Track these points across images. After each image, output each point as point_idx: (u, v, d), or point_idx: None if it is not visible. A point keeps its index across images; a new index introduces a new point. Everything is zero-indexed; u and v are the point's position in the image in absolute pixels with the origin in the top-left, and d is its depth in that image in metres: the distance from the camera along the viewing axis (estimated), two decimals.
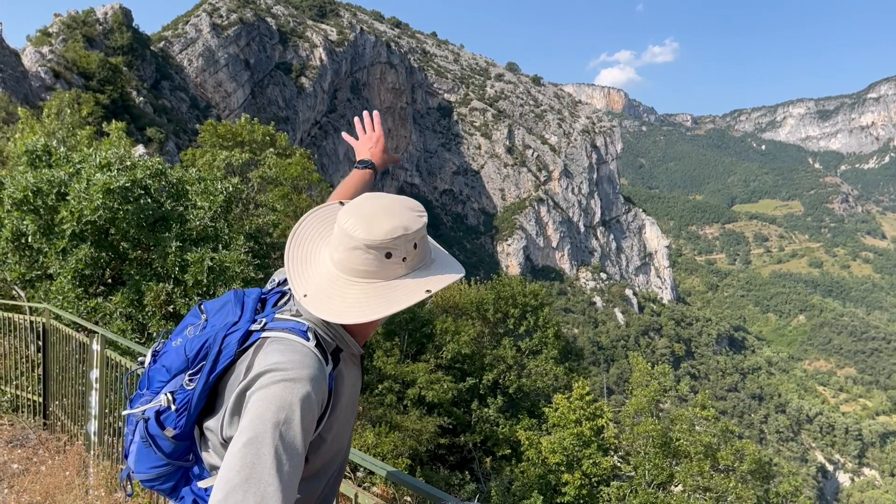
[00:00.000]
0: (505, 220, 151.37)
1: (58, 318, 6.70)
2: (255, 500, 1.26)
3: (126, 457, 1.72)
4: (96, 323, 7.82)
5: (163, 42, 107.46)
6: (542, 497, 14.89)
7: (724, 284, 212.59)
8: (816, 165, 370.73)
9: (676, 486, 15.55)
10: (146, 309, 8.94)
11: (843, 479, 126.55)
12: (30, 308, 7.67)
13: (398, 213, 1.58)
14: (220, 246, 9.70)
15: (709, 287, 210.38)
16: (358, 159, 2.40)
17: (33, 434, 6.53)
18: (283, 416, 1.37)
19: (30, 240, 9.07)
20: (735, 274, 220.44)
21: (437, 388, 17.49)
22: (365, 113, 2.50)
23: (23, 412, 7.07)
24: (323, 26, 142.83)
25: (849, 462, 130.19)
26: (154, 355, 1.73)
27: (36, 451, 6.16)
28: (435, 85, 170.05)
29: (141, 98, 71.08)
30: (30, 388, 7.11)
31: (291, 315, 1.61)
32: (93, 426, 5.67)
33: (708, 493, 14.91)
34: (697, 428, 16.69)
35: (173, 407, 1.57)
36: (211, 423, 1.57)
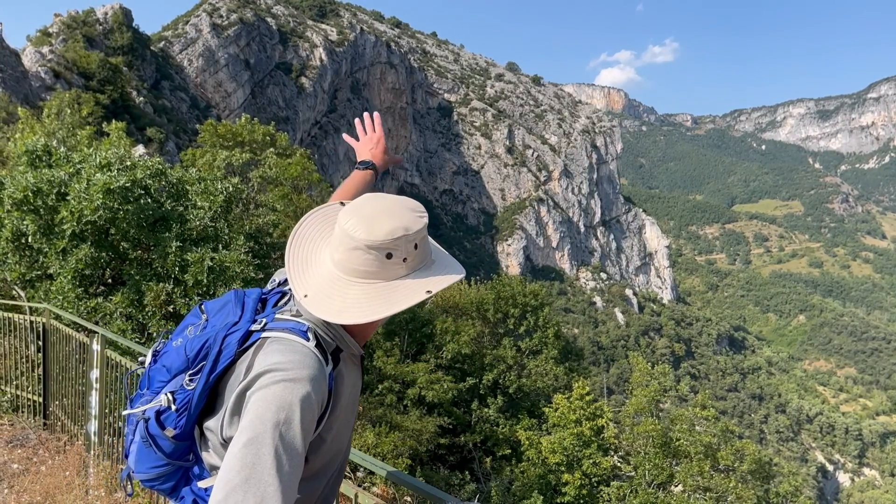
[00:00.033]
0: (505, 220, 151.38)
1: (58, 318, 6.70)
2: (255, 500, 1.26)
3: (126, 457, 1.73)
4: (96, 323, 7.82)
5: (163, 42, 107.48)
6: (542, 497, 14.89)
7: (724, 284, 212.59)
8: (816, 165, 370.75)
9: (676, 486, 15.55)
10: (146, 309, 8.94)
11: (844, 479, 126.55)
12: (30, 308, 7.68)
13: (399, 214, 1.58)
14: (221, 246, 9.70)
15: (709, 287, 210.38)
16: (359, 160, 2.40)
17: (33, 434, 6.53)
18: (283, 416, 1.37)
19: (30, 240, 9.07)
20: (735, 274, 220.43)
21: (437, 388, 17.50)
22: (365, 114, 2.51)
23: (23, 412, 7.07)
24: (323, 26, 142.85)
25: (849, 462, 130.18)
26: (155, 355, 1.73)
27: (36, 451, 6.16)
28: (435, 85, 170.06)
29: (141, 98, 71.10)
30: (30, 388, 7.11)
31: (292, 315, 1.61)
32: (93, 426, 5.67)
33: (708, 493, 14.91)
34: (697, 428, 16.69)
35: (173, 407, 1.57)
36: (211, 424, 1.57)
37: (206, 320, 1.68)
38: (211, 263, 9.07)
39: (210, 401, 1.58)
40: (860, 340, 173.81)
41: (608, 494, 14.95)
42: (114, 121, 19.94)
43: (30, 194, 8.85)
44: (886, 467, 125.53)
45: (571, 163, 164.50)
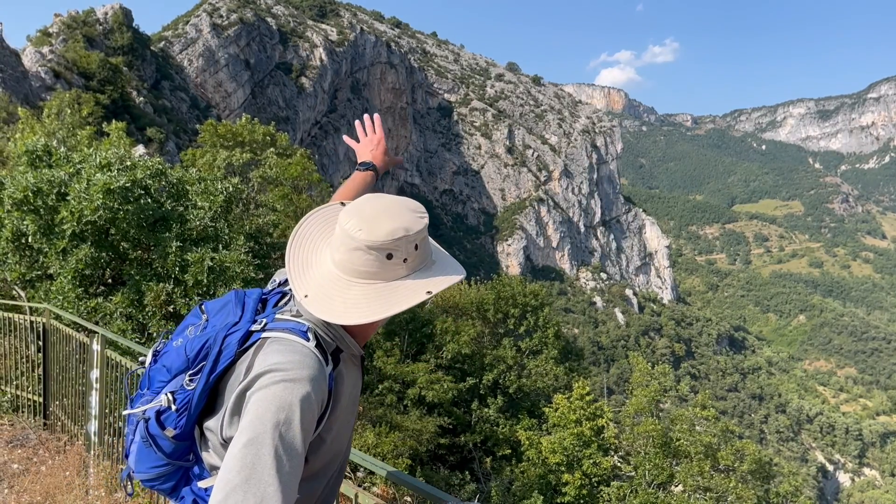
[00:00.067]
0: (505, 220, 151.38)
1: (58, 318, 6.70)
2: (255, 500, 1.27)
3: (127, 456, 1.73)
4: (96, 323, 7.82)
5: (163, 42, 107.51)
6: (542, 497, 14.90)
7: (724, 284, 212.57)
8: (816, 165, 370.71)
9: (677, 486, 15.55)
10: (146, 309, 8.94)
11: (844, 479, 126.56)
12: (30, 308, 7.68)
13: (399, 215, 1.58)
14: (221, 246, 9.70)
15: (709, 287, 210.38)
16: (359, 162, 2.40)
17: (33, 434, 6.53)
18: (282, 416, 1.37)
19: (30, 240, 9.07)
20: (735, 274, 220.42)
21: (437, 388, 17.50)
22: (366, 116, 2.52)
23: (23, 412, 7.07)
24: (323, 26, 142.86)
25: (849, 462, 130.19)
26: (155, 355, 1.73)
27: (36, 451, 6.16)
28: (435, 85, 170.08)
29: (141, 98, 71.13)
30: (30, 388, 7.11)
31: (292, 315, 1.61)
32: (93, 426, 5.67)
33: (708, 493, 14.92)
34: (698, 428, 16.70)
35: (174, 407, 1.57)
36: (211, 424, 1.57)
37: (207, 320, 1.68)
38: (211, 263, 9.07)
39: (210, 401, 1.58)
40: (860, 340, 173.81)
41: (608, 494, 14.95)
42: (114, 121, 19.95)
43: (30, 194, 8.86)
44: (887, 467, 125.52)
45: (571, 163, 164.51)
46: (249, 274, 9.35)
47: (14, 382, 7.20)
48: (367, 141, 2.46)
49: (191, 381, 1.57)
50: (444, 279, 1.60)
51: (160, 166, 10.01)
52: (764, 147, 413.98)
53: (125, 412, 1.74)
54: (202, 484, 1.63)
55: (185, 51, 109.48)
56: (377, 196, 1.66)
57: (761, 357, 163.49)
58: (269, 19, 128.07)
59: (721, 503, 14.93)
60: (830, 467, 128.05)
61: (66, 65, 58.00)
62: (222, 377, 1.56)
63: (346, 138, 2.63)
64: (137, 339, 8.53)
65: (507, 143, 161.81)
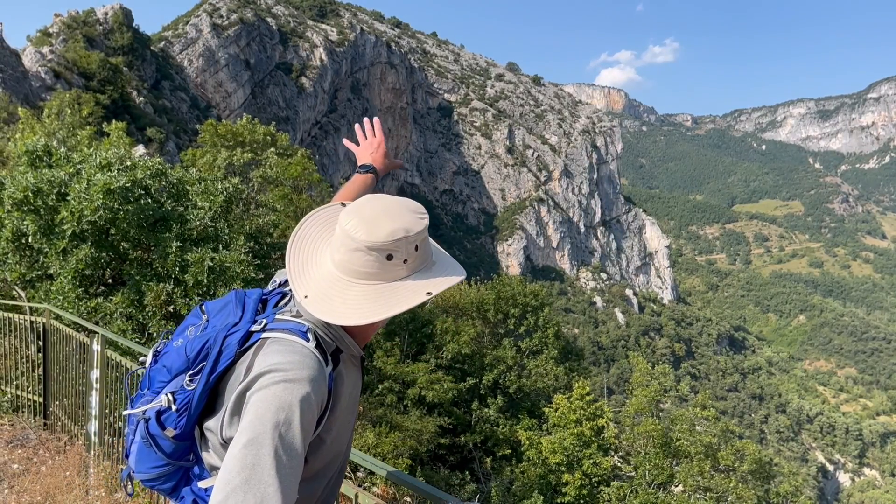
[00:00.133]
0: (505, 220, 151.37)
1: (58, 318, 6.70)
2: (255, 500, 1.27)
3: (127, 456, 1.73)
4: (97, 323, 7.82)
5: (163, 42, 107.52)
6: (542, 497, 14.90)
7: (724, 284, 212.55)
8: (817, 165, 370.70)
9: (677, 486, 15.56)
10: (146, 309, 8.94)
11: (844, 479, 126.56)
12: (30, 308, 7.68)
13: (399, 215, 1.58)
14: (221, 246, 9.70)
15: (709, 287, 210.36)
16: (359, 164, 2.41)
17: (34, 434, 6.53)
18: (282, 416, 1.37)
19: (30, 240, 9.08)
20: (735, 274, 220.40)
21: (437, 388, 17.50)
22: (365, 119, 2.52)
23: (23, 412, 7.07)
24: (323, 26, 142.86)
25: (849, 462, 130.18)
26: (155, 355, 1.73)
27: (36, 451, 6.16)
28: (435, 85, 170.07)
29: (141, 98, 71.14)
30: (30, 389, 7.11)
31: (292, 316, 1.61)
32: (93, 426, 5.67)
33: (708, 494, 14.92)
34: (698, 428, 16.70)
35: (174, 407, 1.57)
36: (211, 424, 1.57)
37: (207, 321, 1.68)
38: (211, 263, 9.07)
39: (210, 401, 1.58)
40: (860, 340, 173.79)
41: (608, 494, 14.95)
42: (114, 121, 19.98)
43: (30, 194, 8.86)
44: (887, 467, 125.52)
45: (571, 163, 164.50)
46: (249, 274, 9.35)
47: (14, 382, 7.20)
48: (367, 144, 2.46)
49: (191, 381, 1.57)
50: (445, 280, 1.60)
51: (160, 166, 10.01)
52: (764, 147, 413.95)
53: (125, 412, 1.74)
54: (202, 484, 1.63)
55: (185, 51, 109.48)
56: (377, 197, 1.66)
57: (761, 357, 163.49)
58: (269, 19, 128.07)
59: (721, 503, 14.93)
60: (830, 467, 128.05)
61: (66, 65, 58.01)
62: (222, 377, 1.57)
63: (345, 141, 2.63)
64: (137, 340, 8.53)
65: (507, 143, 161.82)
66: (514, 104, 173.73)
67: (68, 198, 8.83)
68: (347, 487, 2.86)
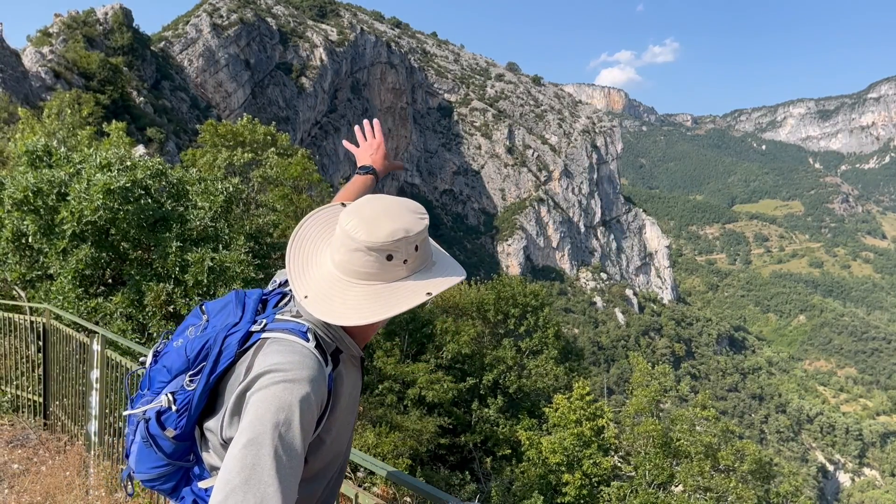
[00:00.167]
0: (505, 220, 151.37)
1: (58, 318, 6.70)
2: (255, 501, 1.27)
3: (127, 457, 1.73)
4: (97, 323, 7.82)
5: (163, 42, 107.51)
6: (542, 497, 14.90)
7: (724, 284, 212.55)
8: (817, 165, 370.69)
9: (677, 486, 15.56)
10: (146, 309, 8.94)
11: (844, 479, 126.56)
12: (30, 308, 7.68)
13: (399, 216, 1.58)
14: (221, 246, 9.70)
15: (709, 287, 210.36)
16: (359, 165, 2.41)
17: (34, 434, 6.53)
18: (282, 416, 1.37)
19: (30, 240, 9.08)
20: (735, 274, 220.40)
21: (437, 388, 17.50)
22: (365, 121, 2.53)
23: (23, 412, 7.07)
24: (323, 26, 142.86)
25: (849, 462, 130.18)
26: (155, 356, 1.73)
27: (36, 451, 6.16)
28: (435, 85, 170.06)
29: (141, 98, 71.15)
30: (30, 389, 7.11)
31: (292, 316, 1.61)
32: (93, 426, 5.67)
33: (708, 493, 14.92)
34: (698, 428, 16.70)
35: (174, 407, 1.57)
36: (211, 424, 1.57)
37: (207, 321, 1.68)
38: (211, 264, 9.07)
39: (210, 401, 1.58)
40: (860, 340, 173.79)
41: (608, 494, 14.96)
42: (114, 121, 19.98)
43: (30, 194, 8.86)
44: (887, 467, 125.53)
45: (571, 163, 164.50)
46: (249, 274, 9.35)
47: (14, 382, 7.20)
48: (367, 145, 2.47)
49: (191, 381, 1.57)
50: (445, 280, 1.60)
51: (160, 166, 10.01)
52: (764, 147, 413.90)
53: (125, 412, 1.74)
54: (202, 484, 1.63)
55: (185, 51, 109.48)
56: (377, 197, 1.66)
57: (761, 357, 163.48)
58: (269, 19, 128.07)
59: (721, 503, 14.94)
60: (830, 467, 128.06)
61: (66, 65, 58.01)
62: (222, 378, 1.57)
63: (345, 143, 2.63)
64: (137, 340, 8.53)
65: (508, 143, 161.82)
66: (514, 104, 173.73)
67: (68, 198, 8.83)
68: (347, 487, 2.86)
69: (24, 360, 7.24)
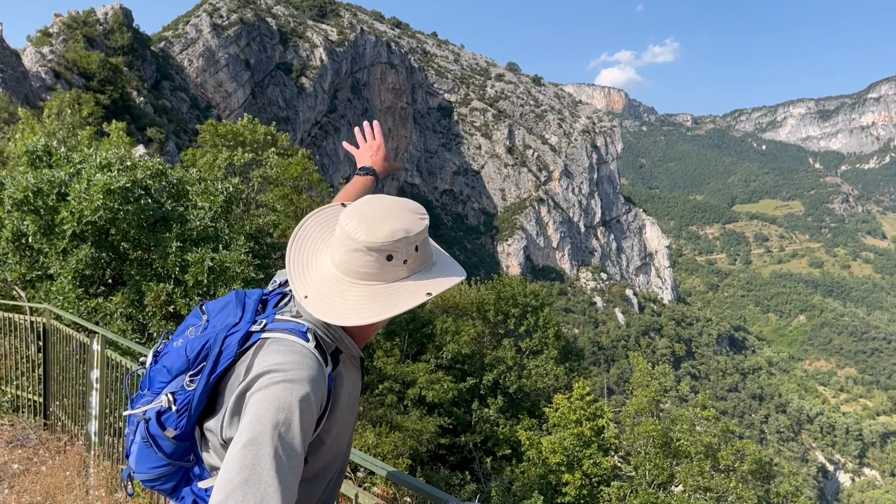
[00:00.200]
0: (505, 220, 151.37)
1: (58, 318, 6.70)
2: (254, 501, 1.27)
3: (127, 457, 1.73)
4: (97, 323, 7.82)
5: (163, 42, 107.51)
6: (542, 497, 14.90)
7: (724, 284, 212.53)
8: (817, 165, 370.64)
9: (677, 486, 15.56)
10: (147, 309, 8.94)
11: (844, 479, 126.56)
12: (30, 308, 7.68)
13: (400, 216, 1.58)
14: (221, 246, 9.70)
15: (709, 287, 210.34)
16: (359, 166, 2.41)
17: (34, 434, 6.53)
18: (282, 417, 1.37)
19: (30, 240, 9.08)
20: (735, 274, 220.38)
21: (437, 389, 17.50)
22: (365, 122, 2.53)
23: (23, 412, 7.08)
24: (323, 26, 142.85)
25: (849, 462, 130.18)
26: (155, 356, 1.73)
27: (36, 451, 6.16)
28: (435, 85, 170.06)
29: (141, 98, 71.15)
30: (30, 389, 7.11)
31: (292, 316, 1.61)
32: (93, 426, 5.67)
33: (708, 494, 14.92)
34: (698, 428, 16.70)
35: (174, 407, 1.57)
36: (211, 424, 1.57)
37: (207, 321, 1.68)
38: (211, 264, 9.07)
39: (210, 401, 1.58)
40: (860, 340, 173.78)
41: (608, 494, 14.95)
42: (114, 121, 19.99)
43: (30, 194, 8.86)
44: (887, 467, 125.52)
45: (572, 163, 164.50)
46: (250, 274, 9.35)
47: (14, 382, 7.20)
48: (367, 147, 2.47)
49: (191, 381, 1.57)
50: (445, 280, 1.60)
51: (160, 166, 10.01)
52: (764, 147, 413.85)
53: (126, 413, 1.74)
54: (202, 484, 1.63)
55: (185, 51, 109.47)
56: (377, 197, 1.67)
57: (761, 357, 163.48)
58: (269, 19, 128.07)
59: (721, 503, 14.94)
60: (831, 467, 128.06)
61: (66, 65, 58.02)
62: (222, 378, 1.57)
63: (345, 144, 2.63)
64: (137, 340, 8.53)
65: (508, 143, 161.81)
66: (514, 104, 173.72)
67: (68, 198, 8.83)
68: (347, 487, 2.87)
69: (25, 360, 7.24)
